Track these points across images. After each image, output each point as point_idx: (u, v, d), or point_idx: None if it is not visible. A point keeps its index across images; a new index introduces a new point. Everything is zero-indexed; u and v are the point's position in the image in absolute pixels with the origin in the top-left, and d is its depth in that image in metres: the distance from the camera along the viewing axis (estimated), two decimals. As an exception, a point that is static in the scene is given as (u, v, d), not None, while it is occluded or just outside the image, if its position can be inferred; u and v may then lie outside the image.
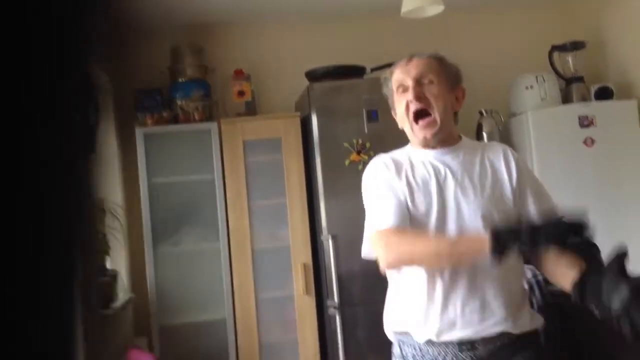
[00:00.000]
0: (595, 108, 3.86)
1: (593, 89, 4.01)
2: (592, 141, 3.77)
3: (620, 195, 3.74)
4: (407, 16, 3.41)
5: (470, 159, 1.75)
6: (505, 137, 4.04)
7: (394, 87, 1.77)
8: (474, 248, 1.53)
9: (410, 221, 1.69)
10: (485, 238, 1.47)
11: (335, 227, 3.50)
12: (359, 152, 3.56)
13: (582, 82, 4.07)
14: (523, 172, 1.78)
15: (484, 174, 1.73)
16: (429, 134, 1.71)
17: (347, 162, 3.55)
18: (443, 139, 1.75)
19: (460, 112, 4.26)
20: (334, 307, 3.46)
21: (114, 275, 2.93)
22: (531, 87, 3.99)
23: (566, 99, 4.04)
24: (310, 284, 3.64)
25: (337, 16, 4.21)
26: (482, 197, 1.69)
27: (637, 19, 3.94)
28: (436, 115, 1.71)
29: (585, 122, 3.81)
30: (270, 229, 3.73)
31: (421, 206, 1.69)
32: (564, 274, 1.59)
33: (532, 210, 1.74)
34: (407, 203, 1.70)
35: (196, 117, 3.76)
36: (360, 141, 3.58)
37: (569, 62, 4.14)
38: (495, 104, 4.14)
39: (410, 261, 1.65)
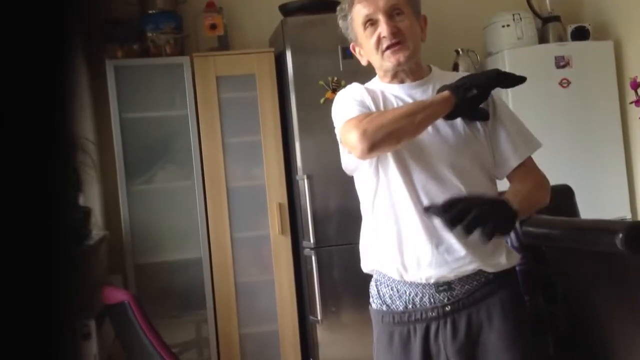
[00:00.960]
0: (571, 48, 3.85)
1: (569, 28, 3.98)
2: (568, 82, 3.78)
3: (594, 137, 3.77)
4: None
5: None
6: (481, 76, 4.02)
7: (360, 21, 1.68)
8: (442, 97, 1.60)
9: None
10: (447, 93, 1.60)
11: (310, 167, 3.48)
12: (334, 90, 3.51)
13: (558, 21, 4.04)
14: (497, 106, 1.72)
15: None
16: (402, 57, 1.64)
17: (322, 101, 3.51)
18: (413, 70, 1.70)
19: (437, 50, 4.22)
20: (310, 248, 3.47)
21: (86, 212, 2.88)
22: (507, 25, 3.95)
23: (543, 38, 4.01)
24: (285, 224, 3.63)
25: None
26: (453, 134, 1.66)
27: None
28: (409, 45, 1.66)
29: (562, 62, 3.80)
30: (245, 167, 3.69)
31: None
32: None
33: (506, 146, 1.69)
34: None
35: (168, 50, 3.65)
36: (335, 79, 3.53)
37: (546, 1, 4.09)
38: (472, 42, 4.10)
39: (383, 129, 1.54)
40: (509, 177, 1.75)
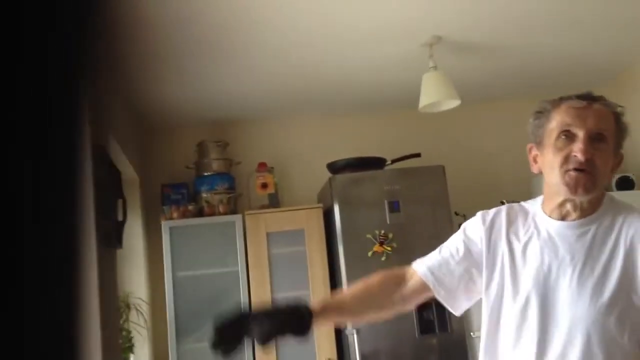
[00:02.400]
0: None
1: (614, 178, 4.01)
2: (618, 231, 3.73)
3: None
4: (424, 110, 3.49)
5: (602, 239, 1.43)
6: (529, 227, 4.01)
7: (556, 126, 1.45)
8: None
9: (491, 296, 1.50)
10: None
11: (359, 321, 3.45)
12: (381, 244, 3.55)
13: (603, 171, 4.07)
14: None
15: (614, 260, 1.40)
16: (582, 189, 1.40)
17: (370, 254, 3.55)
18: (583, 206, 1.45)
19: (483, 201, 4.25)
20: (361, 409, 3.33)
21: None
22: (553, 177, 4.00)
23: (589, 188, 4.03)
24: (336, 381, 3.54)
25: (357, 110, 4.33)
26: (598, 300, 1.38)
27: (655, 109, 3.98)
28: (596, 179, 1.42)
29: (610, 212, 3.78)
30: (295, 323, 3.67)
31: (517, 282, 1.47)
32: None
33: None
34: (474, 265, 1.53)
35: (221, 209, 3.81)
36: (382, 232, 3.58)
37: (589, 152, 4.15)
38: (518, 194, 4.14)
39: None
40: None
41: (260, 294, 3.64)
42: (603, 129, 1.42)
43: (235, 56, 3.30)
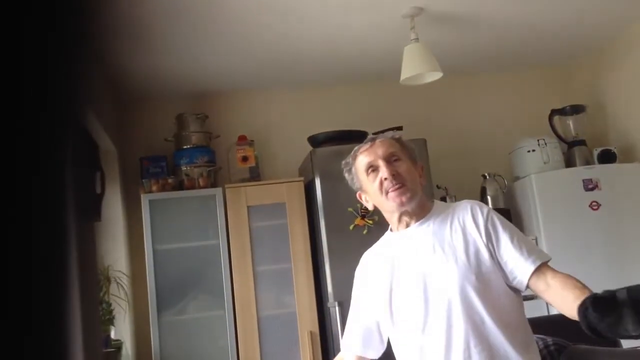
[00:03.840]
0: (599, 171, 3.87)
1: (596, 152, 4.03)
2: (598, 205, 3.77)
3: (629, 259, 3.70)
4: (406, 83, 3.47)
5: (440, 226, 1.77)
6: (510, 200, 4.05)
7: (362, 169, 1.82)
8: None
9: (394, 307, 1.78)
10: None
11: (341, 294, 3.45)
12: (363, 217, 3.55)
13: (584, 145, 4.10)
14: (493, 225, 1.73)
15: (456, 238, 1.74)
16: (404, 198, 1.75)
17: (351, 227, 3.55)
18: (416, 212, 1.79)
19: (464, 176, 4.27)
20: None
21: (118, 347, 2.88)
22: (533, 150, 4.02)
23: (569, 162, 4.05)
24: (317, 352, 3.56)
25: (338, 83, 4.30)
26: (456, 264, 1.69)
27: (636, 82, 4.00)
28: (409, 186, 1.77)
29: (590, 185, 3.82)
30: (276, 295, 3.68)
31: (404, 292, 1.75)
32: (567, 296, 1.56)
33: (510, 265, 1.68)
34: (375, 309, 1.83)
35: (201, 183, 3.78)
36: (364, 205, 3.58)
37: (570, 126, 4.18)
38: (498, 167, 4.17)
39: None
40: (535, 287, 1.69)
41: (242, 266, 3.63)
42: (392, 152, 1.81)
43: (215, 28, 3.25)
